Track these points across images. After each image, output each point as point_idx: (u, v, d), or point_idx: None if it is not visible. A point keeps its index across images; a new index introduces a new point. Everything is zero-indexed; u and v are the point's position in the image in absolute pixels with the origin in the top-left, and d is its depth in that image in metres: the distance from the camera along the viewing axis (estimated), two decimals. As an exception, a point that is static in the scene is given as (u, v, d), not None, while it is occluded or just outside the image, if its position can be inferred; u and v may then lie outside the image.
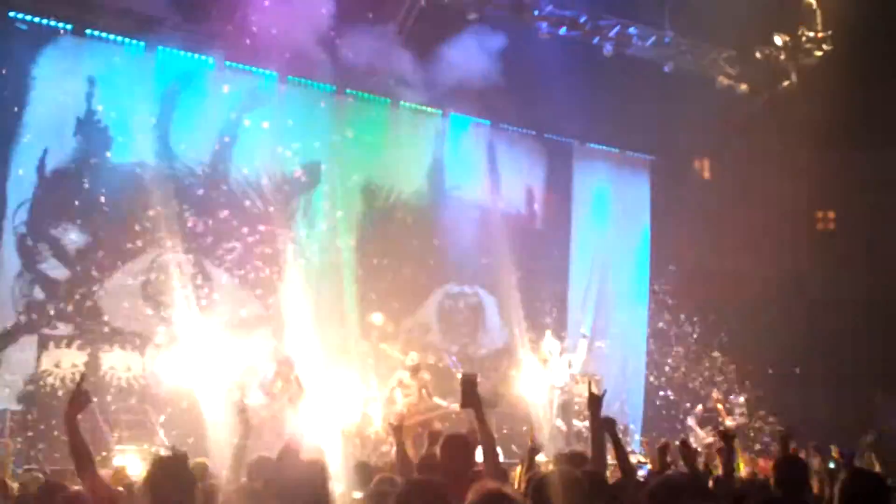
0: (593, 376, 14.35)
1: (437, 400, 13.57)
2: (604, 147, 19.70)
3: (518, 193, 18.55)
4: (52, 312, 13.63)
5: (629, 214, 19.86)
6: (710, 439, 15.04)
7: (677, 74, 17.23)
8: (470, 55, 15.28)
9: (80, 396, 5.19)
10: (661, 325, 19.35)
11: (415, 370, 13.53)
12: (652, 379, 19.09)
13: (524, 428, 14.53)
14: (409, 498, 3.93)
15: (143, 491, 4.98)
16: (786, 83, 17.26)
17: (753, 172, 18.46)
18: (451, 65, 15.26)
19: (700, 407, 16.71)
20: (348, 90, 16.49)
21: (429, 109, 17.23)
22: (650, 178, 20.12)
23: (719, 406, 16.36)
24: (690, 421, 16.44)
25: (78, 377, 6.24)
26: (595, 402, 6.31)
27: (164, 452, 5.66)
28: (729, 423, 15.74)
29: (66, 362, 13.49)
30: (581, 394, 14.98)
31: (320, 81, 16.17)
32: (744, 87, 17.72)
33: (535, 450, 7.48)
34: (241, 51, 14.97)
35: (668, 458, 8.13)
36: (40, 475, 8.91)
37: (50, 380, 13.22)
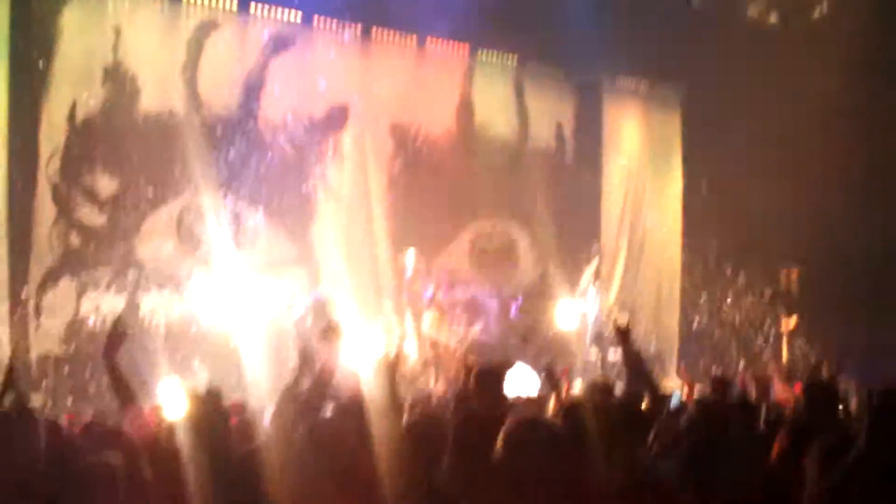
0: (624, 308, 14.34)
1: (455, 328, 13.75)
2: (634, 80, 19.51)
3: (547, 129, 18.39)
4: (88, 258, 13.84)
5: (661, 147, 19.72)
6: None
7: (706, 8, 16.98)
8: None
9: (115, 336, 5.37)
10: (695, 256, 19.25)
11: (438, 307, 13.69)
12: (688, 310, 19.10)
13: (559, 361, 14.63)
14: (465, 429, 3.99)
15: (181, 427, 5.11)
16: (817, 13, 16.96)
17: (787, 104, 18.08)
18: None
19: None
20: (374, 27, 16.41)
21: (455, 46, 17.10)
22: (681, 110, 19.92)
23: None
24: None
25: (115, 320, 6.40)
26: (622, 335, 6.34)
27: (199, 390, 5.76)
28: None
29: (105, 306, 13.70)
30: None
31: (346, 20, 16.11)
32: (774, 18, 17.42)
33: (567, 381, 7.55)
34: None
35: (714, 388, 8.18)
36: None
37: (90, 324, 13.45)
